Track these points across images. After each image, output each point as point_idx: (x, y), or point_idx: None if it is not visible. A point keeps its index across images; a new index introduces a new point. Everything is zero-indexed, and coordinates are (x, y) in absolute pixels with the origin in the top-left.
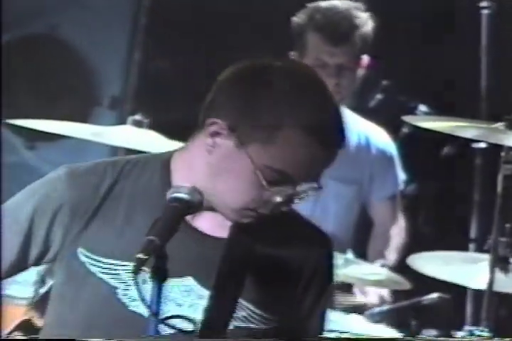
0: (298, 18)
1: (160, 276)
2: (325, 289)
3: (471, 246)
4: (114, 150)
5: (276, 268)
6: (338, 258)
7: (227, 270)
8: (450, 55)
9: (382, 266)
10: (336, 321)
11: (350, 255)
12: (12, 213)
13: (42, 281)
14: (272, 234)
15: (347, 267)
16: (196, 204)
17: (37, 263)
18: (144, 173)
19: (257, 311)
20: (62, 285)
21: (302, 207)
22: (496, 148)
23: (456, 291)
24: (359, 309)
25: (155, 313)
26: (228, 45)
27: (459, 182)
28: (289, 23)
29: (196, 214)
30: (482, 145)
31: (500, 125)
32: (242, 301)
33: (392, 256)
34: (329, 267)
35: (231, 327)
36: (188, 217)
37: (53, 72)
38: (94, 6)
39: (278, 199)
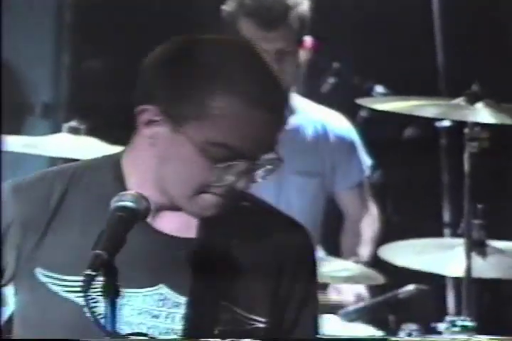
0: (227, 6)
1: (112, 292)
2: (311, 286)
3: (446, 231)
4: (53, 161)
5: (254, 266)
6: None
7: (201, 272)
8: (402, 30)
9: (356, 263)
10: None
11: (319, 252)
12: None
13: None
14: (243, 228)
15: None
16: (143, 212)
17: None
18: (95, 179)
19: (242, 312)
20: (24, 308)
21: None
22: (460, 126)
23: (435, 281)
24: (334, 308)
25: (111, 333)
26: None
27: (426, 164)
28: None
29: (157, 215)
30: (446, 123)
31: (460, 100)
32: (223, 303)
33: (365, 250)
34: (311, 260)
35: (215, 332)
36: (149, 219)
37: None
38: (11, 5)
39: (230, 178)
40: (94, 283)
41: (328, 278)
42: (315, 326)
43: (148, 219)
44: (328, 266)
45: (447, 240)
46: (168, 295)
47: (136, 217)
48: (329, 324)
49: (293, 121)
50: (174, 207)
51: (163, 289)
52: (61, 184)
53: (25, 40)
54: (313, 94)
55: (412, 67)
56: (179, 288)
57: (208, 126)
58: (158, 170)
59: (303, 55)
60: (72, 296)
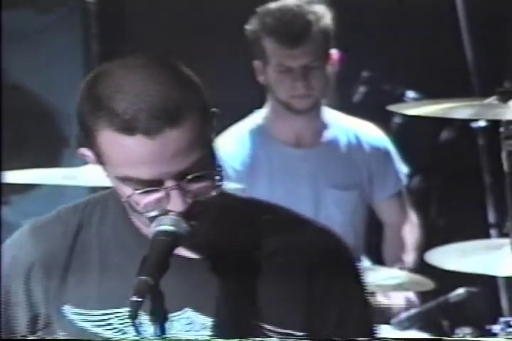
0: (250, 25)
1: (160, 317)
2: (352, 290)
3: (493, 231)
4: (93, 191)
5: (281, 278)
6: None
7: (224, 291)
8: (428, 32)
9: (401, 269)
10: None
11: (364, 262)
12: None
13: None
14: (265, 241)
15: None
16: (184, 235)
17: (33, 331)
18: (107, 213)
19: (275, 329)
20: None
21: None
22: (496, 125)
23: (485, 282)
24: (386, 317)
25: None
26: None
27: (466, 166)
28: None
29: None
30: (481, 123)
31: (493, 99)
32: (252, 321)
33: (409, 257)
34: (346, 264)
35: None
36: None
37: (11, 119)
38: (38, 42)
39: (151, 206)
40: (140, 309)
41: (375, 287)
42: (367, 332)
43: None
44: (375, 275)
45: (494, 241)
46: (194, 318)
47: (178, 239)
48: (382, 334)
49: (326, 134)
50: None
51: (188, 312)
52: (74, 220)
53: (54, 74)
54: (345, 104)
55: (442, 70)
56: (204, 310)
57: (108, 162)
58: None
59: (330, 69)
60: (99, 330)
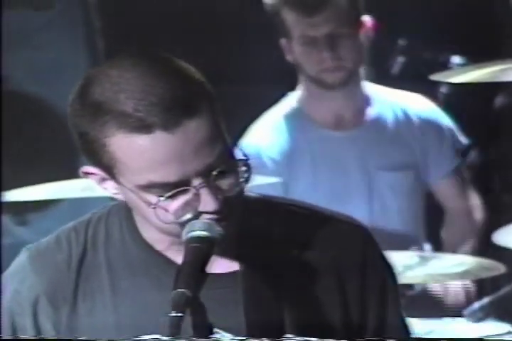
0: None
1: (204, 331)
2: (385, 287)
3: None
4: (113, 201)
5: (310, 284)
6: (413, 257)
7: (254, 306)
8: None
9: (467, 255)
10: (434, 330)
11: (426, 251)
12: None
13: None
14: (286, 245)
15: (426, 265)
16: (219, 240)
17: None
18: (112, 232)
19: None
20: None
21: (356, 206)
22: None
23: None
24: (455, 310)
25: None
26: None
27: None
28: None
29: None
30: None
31: None
32: (286, 335)
33: (474, 241)
34: (376, 260)
35: None
36: (174, 258)
37: (20, 130)
38: (39, 41)
39: (180, 206)
40: (181, 324)
41: (441, 277)
42: (405, 329)
43: (172, 258)
44: (440, 263)
45: None
46: (224, 339)
47: (213, 245)
48: (455, 327)
49: (369, 112)
50: None
51: (218, 333)
52: (77, 244)
53: (59, 76)
54: (383, 77)
55: (487, 31)
56: (235, 329)
57: (126, 171)
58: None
59: (363, 38)
60: None
